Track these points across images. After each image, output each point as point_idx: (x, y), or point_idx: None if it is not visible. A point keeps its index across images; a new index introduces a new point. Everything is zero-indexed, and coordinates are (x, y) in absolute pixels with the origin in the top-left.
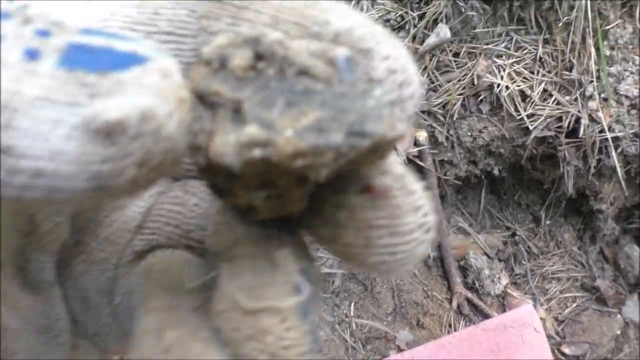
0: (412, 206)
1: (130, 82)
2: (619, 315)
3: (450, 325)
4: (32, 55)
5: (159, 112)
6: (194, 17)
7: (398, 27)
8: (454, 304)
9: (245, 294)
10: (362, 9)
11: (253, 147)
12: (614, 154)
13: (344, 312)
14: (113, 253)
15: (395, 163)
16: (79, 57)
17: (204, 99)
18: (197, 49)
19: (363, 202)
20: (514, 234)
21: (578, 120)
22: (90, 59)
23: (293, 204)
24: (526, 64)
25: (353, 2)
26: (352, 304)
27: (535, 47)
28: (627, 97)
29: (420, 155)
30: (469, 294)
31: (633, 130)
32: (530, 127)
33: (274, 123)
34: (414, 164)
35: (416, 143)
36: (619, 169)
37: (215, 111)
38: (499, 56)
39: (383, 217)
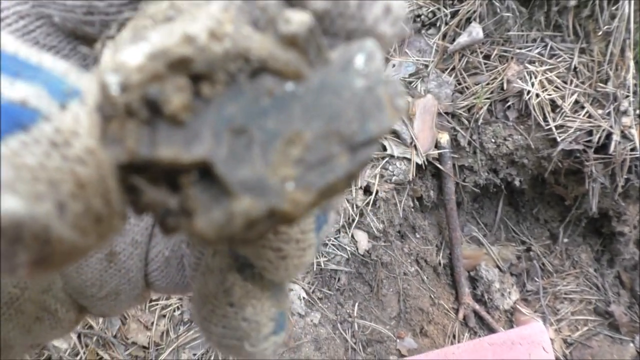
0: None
1: (5, 159)
2: (631, 344)
3: (454, 336)
4: None
5: (35, 214)
6: None
7: (429, 24)
8: (460, 314)
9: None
10: None
11: (252, 230)
12: None
13: (348, 311)
14: None
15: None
16: None
17: (150, 169)
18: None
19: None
20: (529, 249)
21: (609, 135)
22: None
23: None
24: (559, 72)
25: None
26: (357, 304)
27: (571, 56)
28: None
29: (440, 158)
30: (477, 306)
31: None
32: (558, 139)
33: (266, 182)
34: (433, 166)
35: (437, 145)
36: None
37: (174, 182)
38: (531, 62)
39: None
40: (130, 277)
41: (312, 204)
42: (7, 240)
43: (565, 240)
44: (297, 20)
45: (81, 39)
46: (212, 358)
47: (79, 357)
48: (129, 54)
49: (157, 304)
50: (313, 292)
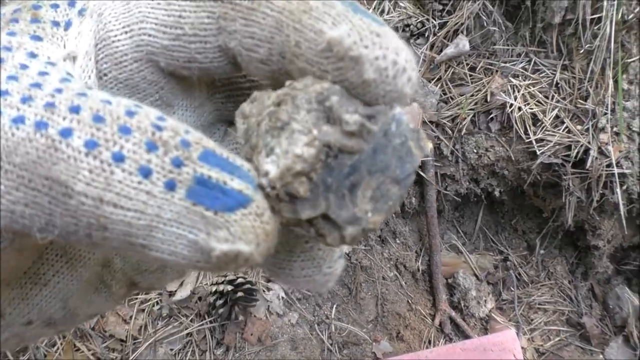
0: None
1: (235, 222)
2: (601, 356)
3: (430, 342)
4: (171, 186)
5: (250, 251)
6: (213, 17)
7: (417, 34)
8: (437, 321)
9: None
10: (383, 11)
11: (356, 239)
12: (618, 190)
13: (325, 313)
14: None
15: None
16: (201, 193)
17: (299, 223)
18: (220, 45)
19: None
20: (506, 259)
21: (587, 151)
22: (209, 197)
23: None
24: (542, 87)
25: (375, 3)
26: (335, 306)
27: (553, 72)
28: (639, 134)
29: (423, 166)
30: (453, 313)
31: None
32: (538, 152)
33: (357, 216)
34: (415, 173)
35: None
36: (621, 207)
37: (311, 224)
38: (515, 76)
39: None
40: None
41: (383, 220)
42: (226, 261)
43: (542, 251)
44: (353, 121)
45: (175, 76)
46: (189, 354)
47: (55, 348)
48: (269, 166)
49: (136, 299)
50: (292, 292)
